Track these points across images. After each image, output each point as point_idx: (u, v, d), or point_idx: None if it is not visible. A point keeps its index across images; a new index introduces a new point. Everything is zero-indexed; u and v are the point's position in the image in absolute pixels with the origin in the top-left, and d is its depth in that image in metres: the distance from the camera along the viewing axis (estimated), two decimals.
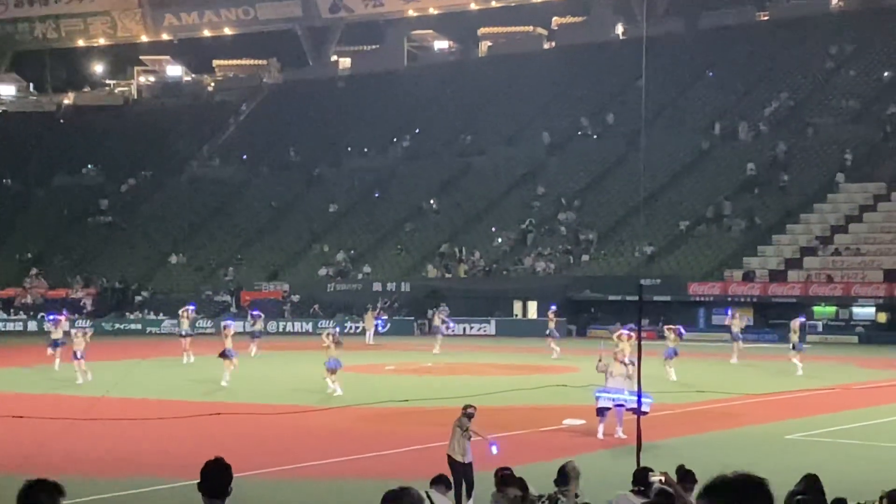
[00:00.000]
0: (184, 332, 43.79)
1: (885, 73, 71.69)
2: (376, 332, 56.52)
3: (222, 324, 39.44)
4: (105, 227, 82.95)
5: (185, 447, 21.80)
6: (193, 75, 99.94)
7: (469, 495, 16.48)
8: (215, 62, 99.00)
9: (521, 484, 11.79)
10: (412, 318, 64.51)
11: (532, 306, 62.58)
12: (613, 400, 23.36)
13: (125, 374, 33.81)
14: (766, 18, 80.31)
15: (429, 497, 11.34)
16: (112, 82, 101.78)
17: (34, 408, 26.55)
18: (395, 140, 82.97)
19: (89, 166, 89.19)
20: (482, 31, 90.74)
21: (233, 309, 67.87)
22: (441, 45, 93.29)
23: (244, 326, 50.33)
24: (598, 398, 23.53)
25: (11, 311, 71.32)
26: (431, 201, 74.95)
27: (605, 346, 26.73)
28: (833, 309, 57.85)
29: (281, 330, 64.01)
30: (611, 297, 58.83)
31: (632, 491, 11.13)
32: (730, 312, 47.17)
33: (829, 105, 70.93)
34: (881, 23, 73.05)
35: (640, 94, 64.53)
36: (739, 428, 25.74)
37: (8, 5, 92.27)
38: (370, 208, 77.01)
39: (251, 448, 21.70)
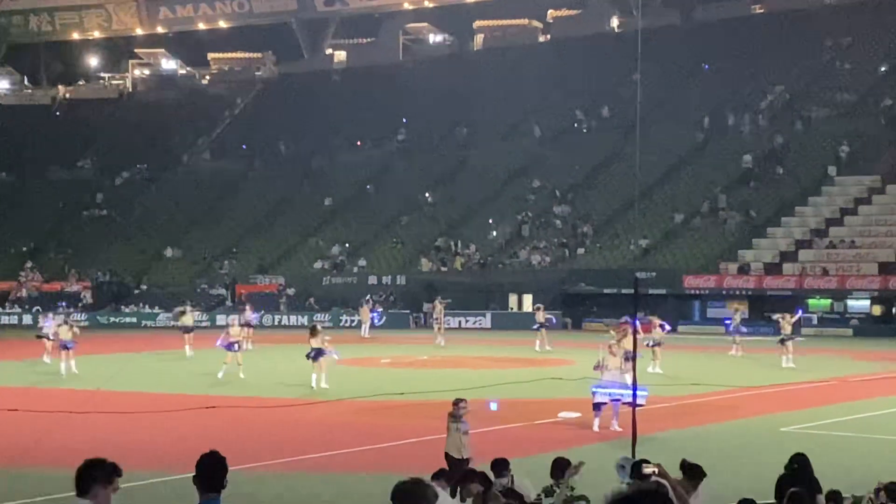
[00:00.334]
0: (189, 327, 44.20)
1: (881, 67, 71.75)
2: (372, 326, 56.54)
3: (229, 318, 40.14)
4: (100, 221, 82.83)
5: (180, 440, 21.81)
6: (188, 68, 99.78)
7: None
8: (210, 55, 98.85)
9: (484, 478, 11.76)
10: (407, 311, 64.58)
11: (527, 299, 62.62)
12: (610, 395, 23.39)
13: (120, 368, 33.82)
14: (761, 11, 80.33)
15: None
16: (107, 75, 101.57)
17: (29, 401, 26.54)
18: (390, 133, 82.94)
19: (84, 160, 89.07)
20: (477, 24, 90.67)
21: (228, 302, 67.87)
22: (436, 38, 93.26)
23: (238, 320, 50.26)
24: (594, 394, 23.56)
25: (6, 304, 71.23)
26: (427, 194, 74.93)
27: (605, 339, 26.70)
28: (828, 302, 57.95)
29: (277, 323, 64.00)
30: (606, 291, 58.86)
31: (627, 484, 11.12)
32: (733, 317, 46.80)
33: (824, 98, 70.97)
34: (877, 16, 73.08)
35: (635, 87, 64.58)
36: (735, 420, 25.79)
37: None
38: (365, 202, 76.98)
39: (246, 441, 21.71)
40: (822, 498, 12.23)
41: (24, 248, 79.68)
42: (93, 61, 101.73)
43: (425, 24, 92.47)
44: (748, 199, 64.75)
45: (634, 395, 17.36)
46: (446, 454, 16.62)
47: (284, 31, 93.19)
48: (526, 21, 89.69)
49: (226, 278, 72.00)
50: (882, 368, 37.35)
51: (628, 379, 23.32)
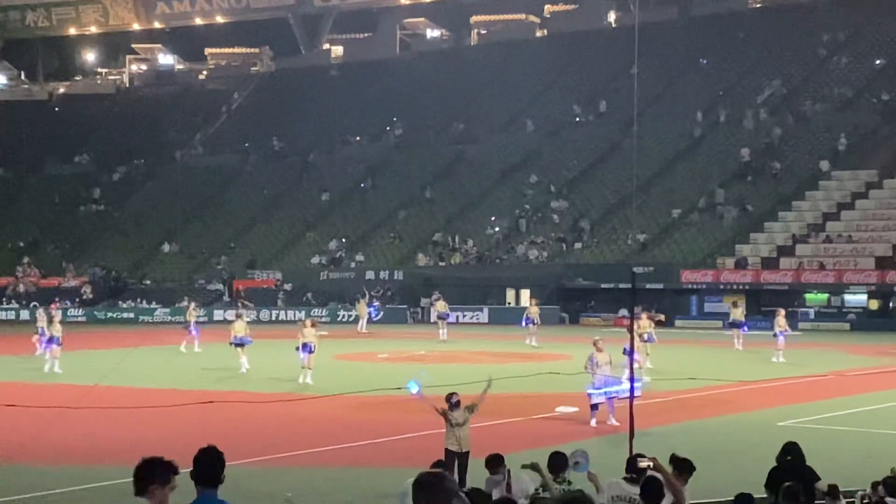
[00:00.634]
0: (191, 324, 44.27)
1: (878, 61, 71.77)
2: (369, 320, 56.56)
3: (235, 313, 40.23)
4: (97, 216, 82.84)
5: (177, 435, 21.78)
6: (185, 64, 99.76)
7: (462, 480, 16.48)
8: (207, 50, 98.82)
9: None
10: (405, 306, 64.61)
11: (525, 294, 62.66)
12: (606, 394, 23.43)
13: (117, 363, 33.78)
14: (758, 6, 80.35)
15: None
16: (104, 71, 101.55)
17: (26, 396, 26.53)
18: (387, 128, 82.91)
19: (81, 155, 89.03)
20: (474, 18, 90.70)
21: (225, 298, 67.88)
22: (433, 33, 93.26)
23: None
24: (590, 396, 23.56)
25: (4, 299, 71.20)
26: (424, 189, 74.90)
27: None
28: (825, 296, 58.01)
29: (274, 318, 64.05)
30: (603, 285, 58.89)
31: (624, 478, 11.14)
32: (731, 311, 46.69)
33: (821, 92, 70.99)
34: (873, 10, 73.12)
35: (632, 82, 64.63)
36: (732, 415, 25.80)
37: None
38: (363, 197, 76.97)
39: (244, 436, 21.72)
40: (822, 484, 12.24)
41: (21, 244, 79.69)
42: (89, 56, 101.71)
43: (422, 19, 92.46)
44: (745, 194, 64.77)
45: (632, 388, 17.39)
46: (447, 450, 16.66)
47: (281, 26, 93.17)
48: (523, 16, 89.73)
49: (223, 273, 72.01)
50: (879, 363, 37.35)
51: (619, 371, 23.41)
